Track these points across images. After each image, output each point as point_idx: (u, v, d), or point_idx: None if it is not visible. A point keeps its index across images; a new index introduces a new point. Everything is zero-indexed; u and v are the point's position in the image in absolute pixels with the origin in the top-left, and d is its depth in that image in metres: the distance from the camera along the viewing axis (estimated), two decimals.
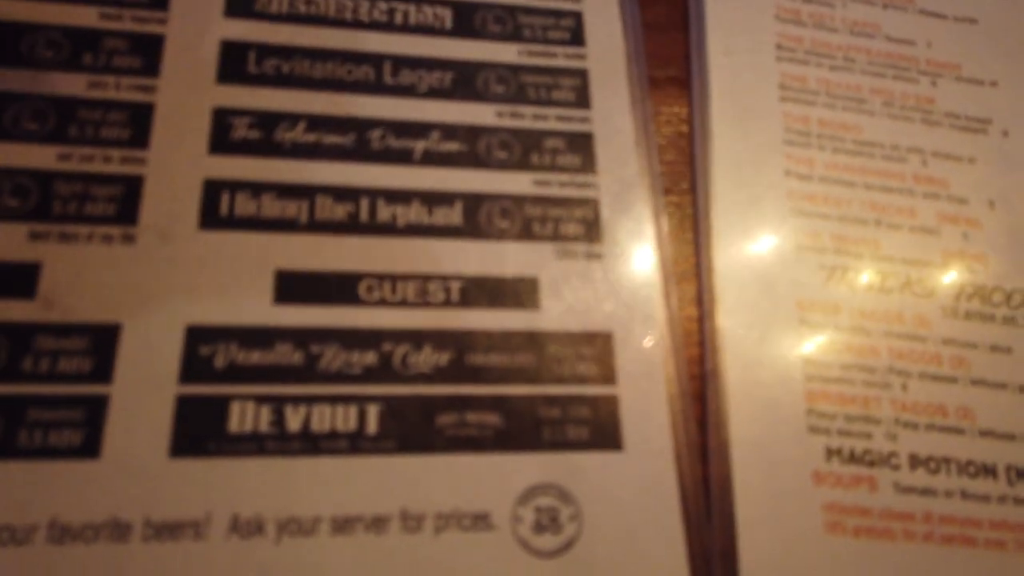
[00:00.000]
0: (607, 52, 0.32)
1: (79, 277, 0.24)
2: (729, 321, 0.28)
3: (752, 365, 0.27)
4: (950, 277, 0.30)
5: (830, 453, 0.26)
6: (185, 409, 0.23)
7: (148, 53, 0.28)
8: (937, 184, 0.32)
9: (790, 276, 0.29)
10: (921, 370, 0.28)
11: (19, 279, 0.24)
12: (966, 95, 0.34)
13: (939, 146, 0.33)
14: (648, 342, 0.27)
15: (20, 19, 0.27)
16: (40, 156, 0.25)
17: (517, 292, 0.27)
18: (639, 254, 0.28)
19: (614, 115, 0.30)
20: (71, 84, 0.27)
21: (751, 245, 0.29)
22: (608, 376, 0.26)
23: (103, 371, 0.23)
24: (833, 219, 0.30)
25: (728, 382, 0.27)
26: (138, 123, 0.26)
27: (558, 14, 0.32)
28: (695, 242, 0.30)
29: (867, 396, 0.28)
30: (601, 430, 0.25)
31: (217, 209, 0.26)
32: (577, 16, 0.32)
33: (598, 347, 0.26)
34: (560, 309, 0.27)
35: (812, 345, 0.28)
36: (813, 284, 0.29)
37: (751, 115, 0.32)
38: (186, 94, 0.27)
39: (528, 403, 0.25)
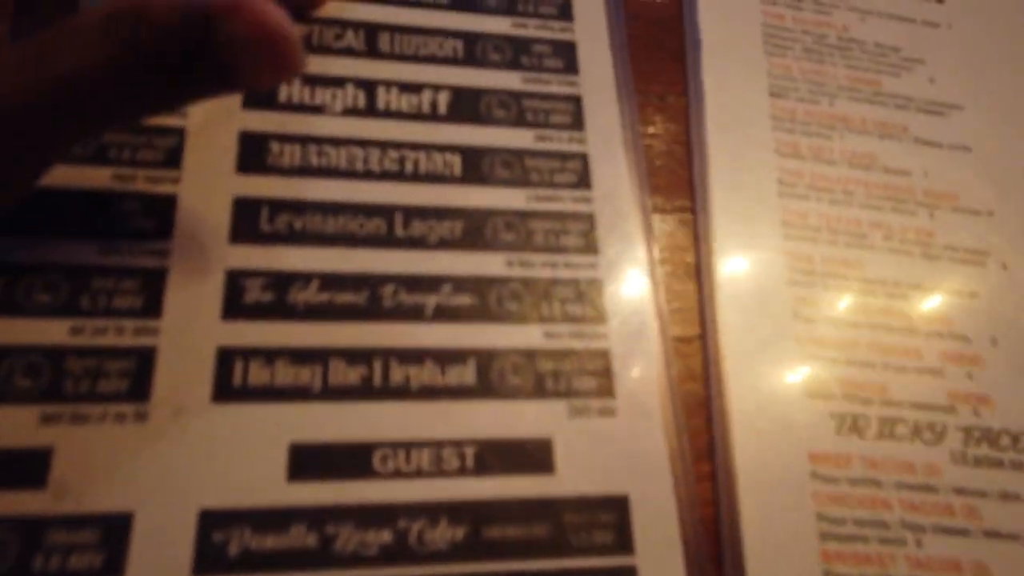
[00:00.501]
0: (613, 194, 0.32)
1: (91, 462, 0.24)
2: (744, 474, 0.28)
3: (768, 523, 0.27)
4: (957, 421, 0.30)
5: None
6: None
7: (161, 215, 0.28)
8: (940, 322, 0.32)
9: (801, 427, 0.29)
10: (934, 523, 0.28)
11: (30, 467, 0.23)
12: (964, 226, 0.35)
13: (940, 282, 0.33)
14: (664, 503, 0.27)
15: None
16: (53, 331, 0.25)
17: (531, 455, 0.27)
18: (653, 408, 0.28)
19: (623, 261, 0.31)
20: (84, 251, 0.26)
21: (762, 393, 0.29)
22: (626, 544, 0.26)
23: (115, 566, 0.22)
24: (841, 363, 0.31)
25: (745, 541, 0.27)
26: (151, 290, 0.26)
27: (564, 156, 0.32)
28: (706, 384, 0.30)
29: (882, 554, 0.28)
30: None
31: (231, 379, 0.26)
32: (583, 158, 0.33)
33: (615, 512, 0.26)
34: (575, 472, 0.27)
35: (826, 501, 0.28)
36: (823, 435, 0.29)
37: (756, 254, 0.32)
38: (199, 257, 0.27)
39: None
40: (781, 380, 0.30)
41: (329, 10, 0.33)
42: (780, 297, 0.31)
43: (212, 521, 0.24)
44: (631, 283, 0.30)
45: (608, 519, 0.26)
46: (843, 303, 0.32)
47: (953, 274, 0.34)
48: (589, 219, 0.31)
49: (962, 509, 0.29)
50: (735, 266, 0.32)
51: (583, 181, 0.32)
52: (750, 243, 0.32)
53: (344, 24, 0.33)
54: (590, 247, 0.31)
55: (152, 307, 0.26)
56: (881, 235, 0.34)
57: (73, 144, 0.24)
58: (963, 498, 0.29)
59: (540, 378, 0.28)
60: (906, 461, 0.29)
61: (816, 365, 0.30)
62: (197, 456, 0.24)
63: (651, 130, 0.35)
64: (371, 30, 0.33)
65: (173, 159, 0.29)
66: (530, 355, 0.28)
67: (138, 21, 0.20)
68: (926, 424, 0.30)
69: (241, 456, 0.25)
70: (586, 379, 0.28)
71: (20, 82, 0.20)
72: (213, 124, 0.30)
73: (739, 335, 0.30)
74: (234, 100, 0.30)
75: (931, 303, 0.33)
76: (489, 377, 0.28)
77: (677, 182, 0.34)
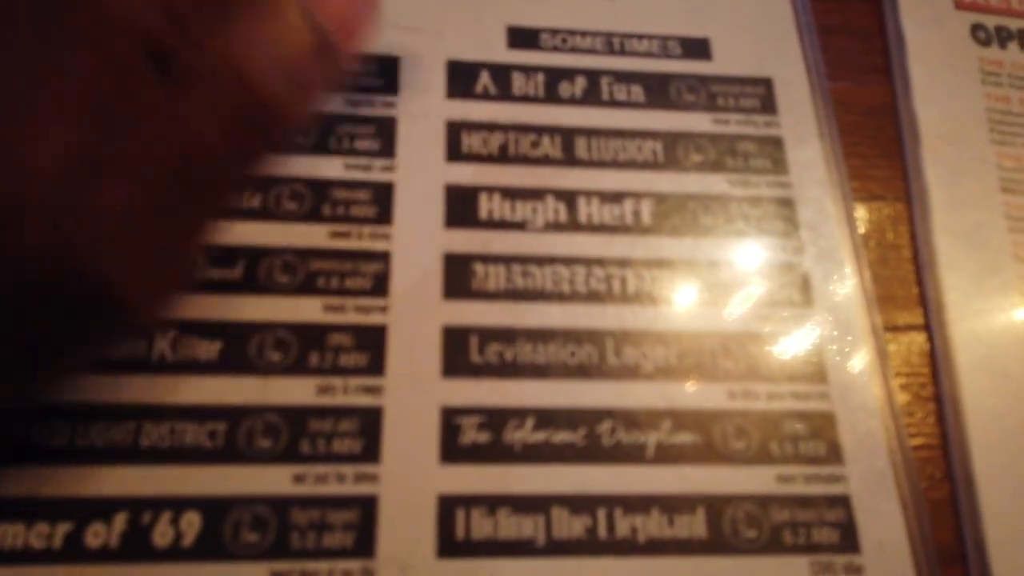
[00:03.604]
0: (836, 309, 0.29)
1: None
2: None
3: None
4: None
5: None
6: None
7: (373, 348, 0.27)
8: None
9: None
10: None
11: None
12: None
13: None
14: None
15: (247, 319, 0.27)
16: (276, 479, 0.24)
17: None
18: (902, 567, 0.25)
19: (857, 387, 0.28)
20: (302, 390, 0.26)
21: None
22: None
23: None
24: None
25: None
26: (368, 432, 0.25)
27: (784, 267, 0.30)
28: (959, 536, 0.27)
29: None
30: None
31: (453, 532, 0.24)
32: (802, 272, 0.30)
33: None
34: None
35: None
36: None
37: (1007, 381, 0.29)
38: (413, 394, 0.26)
39: None
40: None
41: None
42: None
43: None
44: (865, 418, 0.28)
45: None
46: None
47: None
48: (816, 343, 0.29)
49: None
50: (984, 394, 0.28)
51: (805, 299, 0.30)
52: (999, 368, 0.29)
53: (540, 130, 0.32)
54: (818, 375, 0.28)
55: (371, 450, 0.25)
56: None
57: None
58: None
59: (776, 529, 0.26)
60: None
61: None
62: None
63: (869, 234, 0.32)
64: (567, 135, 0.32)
65: (381, 286, 0.28)
66: (763, 502, 0.26)
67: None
68: None
69: None
70: (827, 531, 0.26)
71: None
72: (417, 246, 0.29)
73: (996, 480, 0.27)
74: (437, 218, 0.29)
75: None
76: (720, 528, 0.25)
77: (906, 295, 0.31)
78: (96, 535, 0.23)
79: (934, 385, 0.29)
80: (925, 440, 0.28)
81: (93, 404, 0.25)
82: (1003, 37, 0.36)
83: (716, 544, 0.25)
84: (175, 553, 0.23)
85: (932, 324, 0.30)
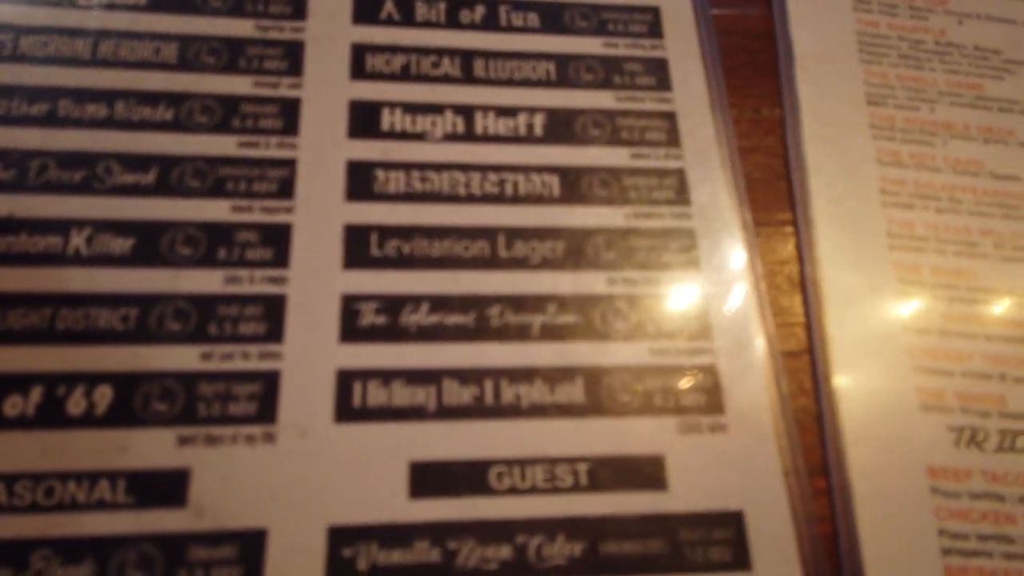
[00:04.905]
0: (713, 209, 0.32)
1: (226, 482, 0.25)
2: (860, 489, 0.28)
3: (887, 539, 0.27)
4: None
5: None
6: None
7: (278, 243, 0.29)
8: None
9: (918, 441, 0.28)
10: None
11: (171, 487, 0.24)
12: None
13: None
14: (780, 519, 0.26)
15: (159, 218, 0.29)
16: (185, 357, 0.26)
17: (644, 472, 0.27)
18: (764, 424, 0.28)
19: (726, 276, 0.31)
20: (210, 280, 0.28)
21: (875, 407, 0.29)
22: (743, 560, 0.26)
23: None
24: (956, 375, 0.30)
25: (865, 557, 0.26)
26: (272, 316, 0.27)
27: (661, 173, 0.33)
28: (816, 399, 0.29)
29: (1008, 569, 0.27)
30: None
31: (351, 400, 0.27)
32: (680, 174, 0.33)
33: (730, 528, 0.26)
34: (688, 488, 0.27)
35: (947, 516, 0.27)
36: (941, 449, 0.28)
37: (862, 266, 0.32)
38: (315, 283, 0.28)
39: None
40: (894, 394, 0.29)
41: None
42: (889, 310, 0.31)
43: (341, 537, 0.24)
44: (735, 298, 0.30)
45: (724, 535, 0.26)
46: (955, 314, 0.31)
47: None
48: (689, 235, 0.32)
49: None
50: (841, 278, 0.31)
51: (681, 197, 0.32)
52: (855, 255, 0.32)
53: (440, 52, 0.34)
54: (692, 263, 0.31)
55: (275, 332, 0.27)
56: (992, 243, 0.33)
57: None
58: None
59: (648, 395, 0.28)
60: None
61: (930, 378, 0.30)
62: (323, 475, 0.25)
63: (747, 144, 0.35)
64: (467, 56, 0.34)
65: (286, 189, 0.30)
66: (637, 372, 0.29)
67: None
68: None
69: (365, 474, 0.26)
70: (695, 396, 0.28)
71: None
72: (322, 154, 0.31)
73: (849, 349, 0.30)
74: (340, 130, 0.31)
75: None
76: (598, 395, 0.28)
77: (776, 195, 0.34)
78: (14, 406, 0.25)
79: (799, 272, 0.32)
80: (788, 318, 0.31)
81: (11, 293, 0.27)
82: None
83: (592, 408, 0.28)
84: (87, 420, 0.25)
85: (799, 220, 0.33)
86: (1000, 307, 0.32)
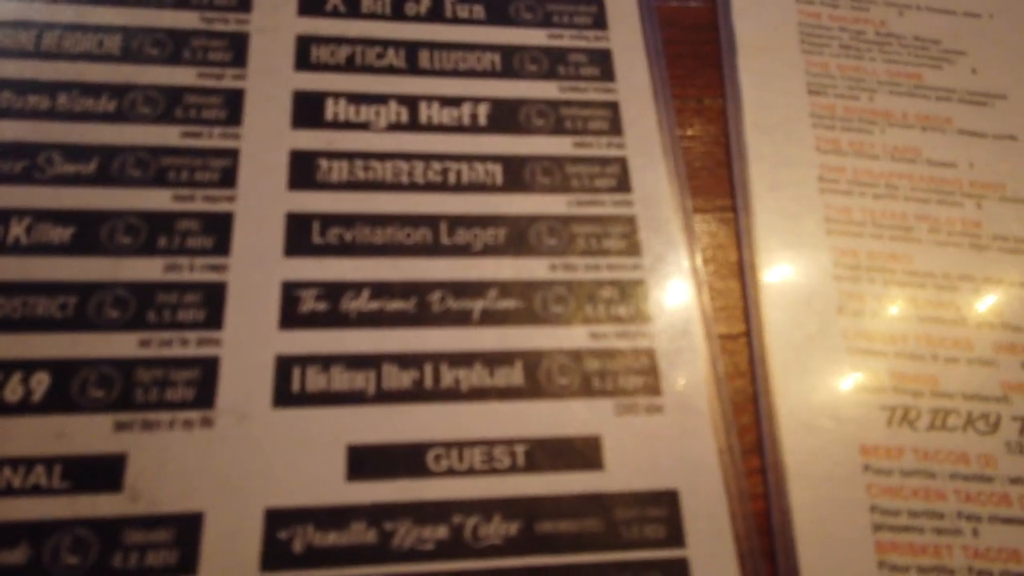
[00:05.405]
0: (653, 196, 0.33)
1: (162, 466, 0.25)
2: (794, 468, 0.28)
3: (820, 515, 0.27)
4: (1012, 411, 0.30)
5: None
6: None
7: (219, 232, 0.29)
8: (991, 313, 0.32)
9: (851, 420, 0.29)
10: (991, 513, 0.28)
11: (107, 472, 0.25)
12: (1012, 216, 0.35)
13: (989, 272, 0.33)
14: (714, 498, 0.27)
15: (100, 207, 0.29)
16: (123, 344, 0.27)
17: (581, 453, 0.27)
18: (700, 405, 0.29)
19: (665, 261, 0.31)
20: (150, 268, 0.28)
21: (809, 388, 0.30)
22: (677, 538, 0.26)
23: (188, 563, 0.24)
24: (889, 356, 0.31)
25: (797, 533, 0.27)
26: (211, 303, 0.28)
27: (603, 161, 0.33)
28: (752, 380, 0.30)
29: (938, 544, 0.27)
30: None
31: (289, 386, 0.27)
32: (622, 162, 0.33)
33: (665, 507, 0.27)
34: (624, 468, 0.27)
35: (879, 493, 0.28)
36: (874, 428, 0.29)
37: (800, 251, 0.32)
38: (256, 271, 0.29)
39: (599, 572, 0.25)
40: (829, 374, 0.30)
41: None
42: (825, 293, 0.32)
43: (277, 520, 0.25)
44: (674, 283, 0.31)
45: (658, 513, 0.27)
46: (890, 296, 0.32)
47: (1003, 264, 0.33)
48: (630, 221, 0.32)
49: (1020, 499, 0.29)
50: (779, 263, 0.32)
51: (623, 185, 0.33)
52: (793, 240, 0.32)
53: (386, 43, 0.34)
54: (632, 249, 0.31)
55: (214, 319, 0.27)
56: (927, 228, 0.34)
57: None
58: (1021, 488, 0.29)
59: (587, 377, 0.29)
60: (960, 452, 0.29)
61: (864, 359, 0.30)
62: (261, 458, 0.26)
63: (689, 133, 0.35)
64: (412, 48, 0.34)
65: (228, 179, 0.30)
66: (576, 356, 0.29)
67: None
68: (979, 415, 0.30)
69: (302, 458, 0.26)
70: (632, 378, 0.29)
71: None
72: (265, 144, 0.31)
73: (785, 331, 0.30)
74: (283, 120, 0.32)
75: (981, 294, 0.33)
76: (537, 378, 0.28)
77: (717, 183, 0.34)
78: None
79: (738, 257, 0.32)
80: (726, 301, 0.31)
81: None
82: None
83: (531, 391, 0.28)
84: (24, 407, 0.25)
85: (738, 207, 0.34)
86: (934, 290, 0.32)
